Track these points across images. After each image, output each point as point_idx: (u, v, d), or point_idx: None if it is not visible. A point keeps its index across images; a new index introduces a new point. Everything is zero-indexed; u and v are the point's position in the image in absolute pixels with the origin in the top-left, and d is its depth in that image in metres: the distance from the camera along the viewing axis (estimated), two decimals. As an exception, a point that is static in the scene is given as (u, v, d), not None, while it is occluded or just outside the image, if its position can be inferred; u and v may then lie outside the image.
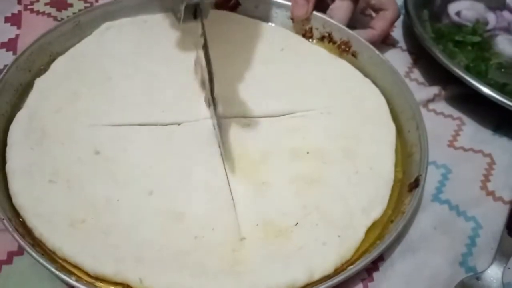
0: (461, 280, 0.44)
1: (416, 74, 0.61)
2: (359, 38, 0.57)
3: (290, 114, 0.52)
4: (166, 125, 0.49)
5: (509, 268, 0.45)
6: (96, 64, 0.53)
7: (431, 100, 0.58)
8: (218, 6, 0.60)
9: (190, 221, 0.43)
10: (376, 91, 0.55)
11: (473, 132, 0.56)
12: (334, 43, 0.59)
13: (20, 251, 0.42)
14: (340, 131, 0.51)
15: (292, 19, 0.60)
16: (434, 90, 0.58)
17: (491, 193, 0.51)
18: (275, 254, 0.41)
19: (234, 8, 0.61)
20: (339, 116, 0.52)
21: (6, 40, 0.57)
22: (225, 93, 0.52)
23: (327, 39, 0.59)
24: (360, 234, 0.43)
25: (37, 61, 0.52)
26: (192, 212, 0.43)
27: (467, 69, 0.57)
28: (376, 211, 0.45)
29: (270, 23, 0.61)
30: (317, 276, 0.40)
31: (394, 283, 0.43)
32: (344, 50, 0.59)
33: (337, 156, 0.49)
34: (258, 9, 0.61)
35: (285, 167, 0.47)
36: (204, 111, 0.51)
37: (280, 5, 0.60)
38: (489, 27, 0.64)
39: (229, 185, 0.46)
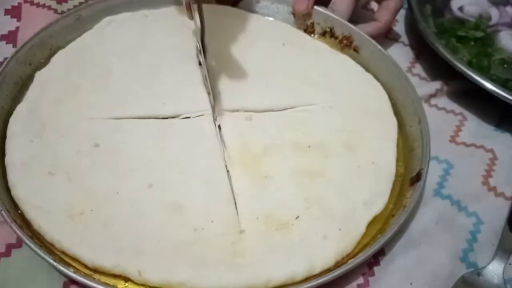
0: (462, 275, 0.44)
1: (418, 69, 0.61)
2: (360, 33, 0.57)
3: (291, 108, 0.52)
4: (166, 118, 0.49)
5: (510, 264, 0.45)
6: (97, 58, 0.53)
7: (433, 95, 0.58)
8: (220, 0, 0.60)
9: (189, 213, 0.43)
10: (377, 86, 0.55)
11: (475, 128, 0.56)
12: (336, 38, 0.59)
13: (19, 244, 0.42)
14: (341, 125, 0.51)
15: (293, 14, 0.60)
16: (436, 85, 0.58)
17: (492, 189, 0.50)
18: (276, 246, 0.41)
19: (235, 3, 0.61)
20: (340, 110, 0.52)
21: (6, 32, 0.57)
22: (227, 88, 0.52)
23: (328, 34, 0.59)
24: (361, 228, 0.43)
25: (38, 55, 0.52)
26: (192, 205, 0.43)
27: (470, 64, 0.57)
28: (378, 205, 0.45)
29: (271, 18, 0.61)
30: (317, 269, 0.40)
31: (394, 278, 0.43)
32: (346, 45, 0.58)
33: (338, 150, 0.49)
34: (259, 5, 0.61)
35: (286, 161, 0.47)
36: (205, 104, 0.51)
37: (281, 1, 0.60)
38: (492, 22, 0.64)
39: (229, 178, 0.45)
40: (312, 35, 0.60)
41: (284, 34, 0.59)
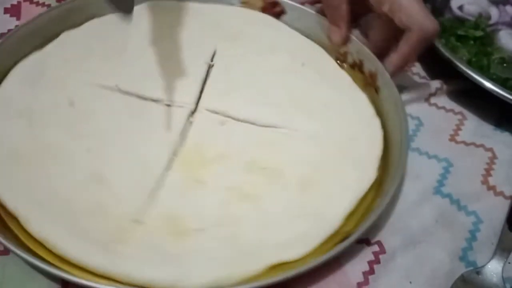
0: (461, 274, 0.44)
1: (418, 68, 0.61)
2: (385, 73, 0.52)
3: (273, 127, 0.50)
4: (146, 99, 0.50)
5: (509, 263, 0.45)
6: (122, 33, 0.54)
7: (433, 94, 0.57)
8: (264, 9, 0.60)
9: (106, 187, 0.43)
10: (377, 134, 0.50)
11: (474, 127, 0.56)
12: (363, 73, 0.55)
13: (18, 242, 0.42)
14: (312, 160, 0.47)
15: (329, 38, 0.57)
16: (436, 84, 0.58)
17: (492, 188, 0.50)
18: (161, 248, 0.40)
19: (279, 14, 0.60)
20: (321, 146, 0.48)
21: (5, 31, 0.57)
22: (223, 89, 0.52)
23: (357, 67, 0.56)
24: (256, 268, 0.39)
25: (72, 17, 0.55)
26: (113, 181, 0.44)
27: (469, 63, 0.57)
28: (293, 253, 0.40)
29: (307, 38, 0.58)
30: (187, 285, 0.38)
31: (394, 276, 0.43)
32: (369, 83, 0.54)
33: (291, 183, 0.45)
34: (301, 21, 0.59)
35: (231, 175, 0.45)
36: (191, 98, 0.51)
37: (322, 23, 0.57)
38: (491, 21, 0.64)
39: (165, 170, 0.45)
40: (343, 64, 0.57)
41: (310, 55, 0.56)
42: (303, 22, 0.59)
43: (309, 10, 0.59)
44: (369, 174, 0.46)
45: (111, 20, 0.56)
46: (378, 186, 0.46)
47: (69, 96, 0.49)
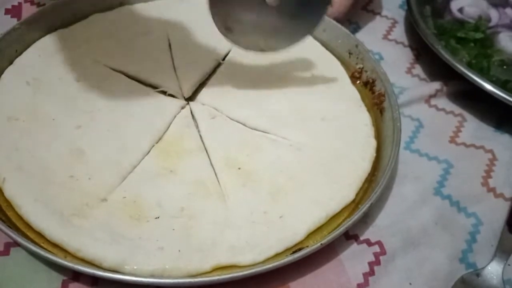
0: (461, 276, 0.44)
1: (418, 70, 0.61)
2: (393, 97, 0.51)
3: (262, 132, 0.49)
4: (147, 85, 0.52)
5: (509, 264, 0.44)
6: (148, 22, 0.57)
7: (433, 95, 0.58)
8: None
9: (82, 162, 0.44)
10: (368, 156, 0.48)
11: (474, 129, 0.56)
12: (373, 93, 0.54)
13: (17, 243, 0.41)
14: (290, 170, 0.46)
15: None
16: (436, 85, 0.58)
17: (492, 190, 0.50)
18: (115, 230, 0.40)
19: None
20: (305, 158, 0.47)
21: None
22: (222, 86, 0.52)
23: (369, 85, 0.55)
24: (204, 266, 0.39)
25: (108, 1, 0.59)
26: (91, 157, 0.45)
27: (469, 65, 0.57)
28: (245, 258, 0.40)
29: (327, 50, 0.58)
30: (128, 269, 0.38)
31: (394, 278, 0.43)
32: (376, 103, 0.53)
33: (263, 188, 0.44)
34: (326, 33, 0.59)
35: (204, 169, 0.46)
36: (186, 90, 0.52)
37: (345, 35, 0.57)
38: (491, 24, 0.64)
39: (141, 155, 0.46)
40: (358, 80, 0.56)
41: (324, 67, 0.56)
42: (327, 34, 0.59)
43: (335, 23, 0.58)
44: (345, 194, 0.45)
45: (141, 8, 0.58)
46: (355, 206, 0.45)
47: (77, 73, 0.51)
